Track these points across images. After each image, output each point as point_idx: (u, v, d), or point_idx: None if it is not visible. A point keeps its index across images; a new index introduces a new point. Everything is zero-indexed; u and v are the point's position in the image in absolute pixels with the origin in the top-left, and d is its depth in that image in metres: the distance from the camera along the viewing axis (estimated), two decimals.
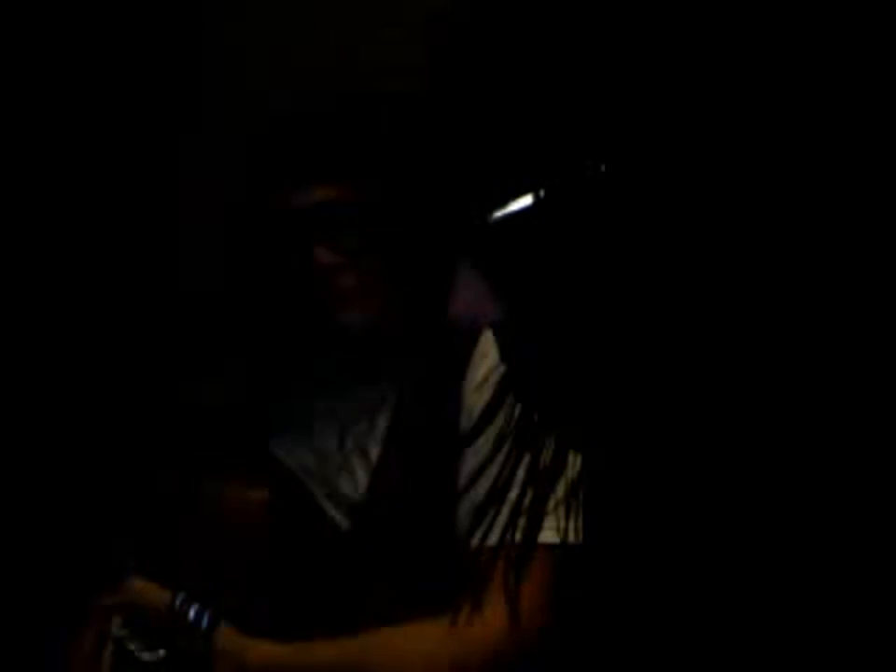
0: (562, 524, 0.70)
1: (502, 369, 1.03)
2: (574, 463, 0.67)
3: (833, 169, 0.40)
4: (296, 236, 1.26)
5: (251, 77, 1.67)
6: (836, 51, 0.39)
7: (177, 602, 1.05)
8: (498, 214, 0.43)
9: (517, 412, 0.57)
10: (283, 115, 1.33)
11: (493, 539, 0.86)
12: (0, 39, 1.60)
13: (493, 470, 0.90)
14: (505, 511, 0.68)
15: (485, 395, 1.17)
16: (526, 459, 0.64)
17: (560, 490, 0.67)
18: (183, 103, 1.69)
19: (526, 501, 0.68)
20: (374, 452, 1.30)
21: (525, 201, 0.42)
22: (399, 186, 1.27)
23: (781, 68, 0.39)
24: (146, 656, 1.03)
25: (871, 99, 0.39)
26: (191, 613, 1.05)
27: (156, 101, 1.66)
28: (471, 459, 1.11)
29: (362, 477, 1.30)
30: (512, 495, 0.68)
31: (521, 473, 0.67)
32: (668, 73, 0.39)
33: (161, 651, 1.03)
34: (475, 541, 1.07)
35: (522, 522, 0.74)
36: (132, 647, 1.03)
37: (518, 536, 0.76)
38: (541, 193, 0.42)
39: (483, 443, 1.05)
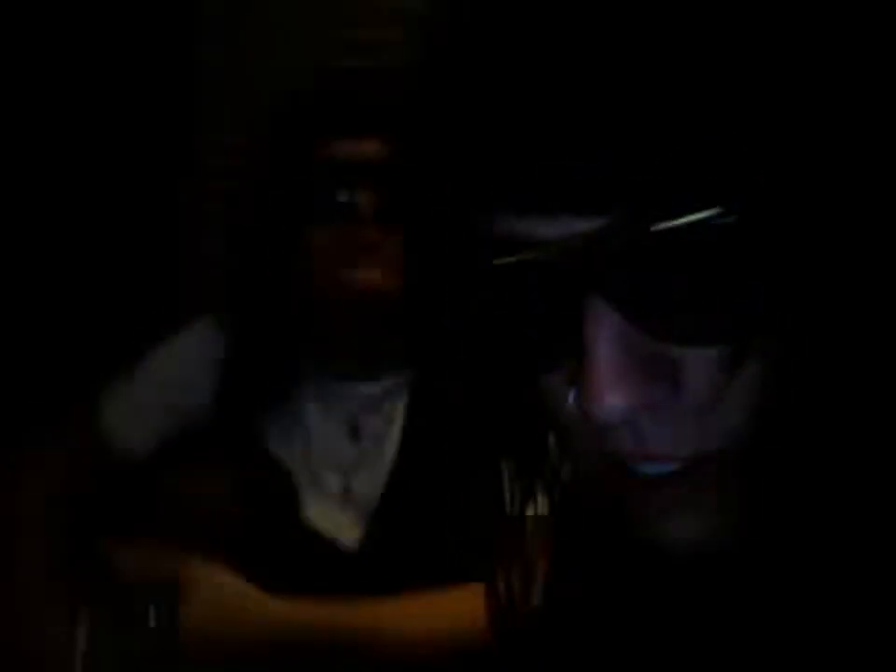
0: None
1: None
2: None
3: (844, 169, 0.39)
4: (330, 188, 1.21)
5: (251, 70, 1.68)
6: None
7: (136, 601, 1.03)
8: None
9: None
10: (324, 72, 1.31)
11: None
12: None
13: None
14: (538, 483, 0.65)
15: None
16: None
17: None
18: (183, 91, 1.70)
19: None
20: (391, 451, 1.27)
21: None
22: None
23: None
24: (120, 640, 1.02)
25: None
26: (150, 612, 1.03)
27: (156, 90, 1.67)
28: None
29: (382, 474, 1.26)
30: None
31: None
32: (670, 74, 0.38)
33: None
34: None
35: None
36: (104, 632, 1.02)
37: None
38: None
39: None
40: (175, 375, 1.30)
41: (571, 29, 0.38)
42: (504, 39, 0.40)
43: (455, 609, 1.10)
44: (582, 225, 0.40)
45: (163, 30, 1.71)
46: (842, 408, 0.41)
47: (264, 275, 1.28)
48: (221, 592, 1.08)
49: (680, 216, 0.38)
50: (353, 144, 1.21)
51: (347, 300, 1.24)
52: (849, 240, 0.39)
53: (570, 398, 0.43)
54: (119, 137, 1.68)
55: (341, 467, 1.28)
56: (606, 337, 0.40)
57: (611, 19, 0.38)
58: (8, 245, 1.62)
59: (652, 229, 0.39)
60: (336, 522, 1.26)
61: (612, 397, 0.40)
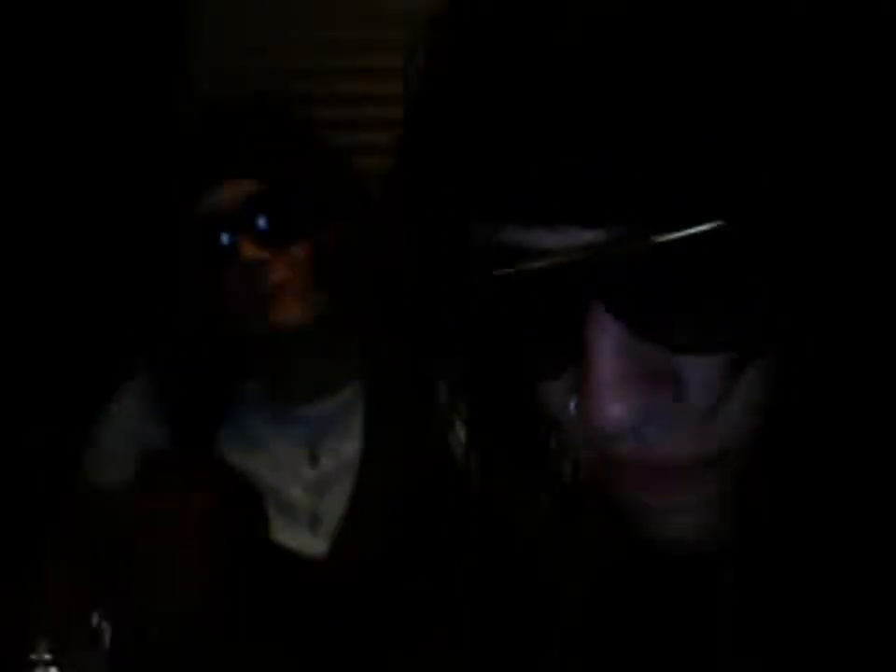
0: None
1: None
2: None
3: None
4: (216, 236, 1.21)
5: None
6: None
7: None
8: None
9: None
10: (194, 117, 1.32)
11: None
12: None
13: None
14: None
15: None
16: None
17: None
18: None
19: None
20: (352, 469, 1.26)
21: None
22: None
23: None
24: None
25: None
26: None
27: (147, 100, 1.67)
28: None
29: (346, 492, 1.26)
30: None
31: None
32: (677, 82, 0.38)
33: None
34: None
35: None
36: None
37: None
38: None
39: None
40: (123, 429, 1.32)
41: (574, 46, 0.39)
42: (508, 53, 0.40)
43: None
44: (585, 235, 0.40)
45: (160, 32, 1.71)
46: (842, 410, 0.41)
47: (182, 319, 1.29)
48: None
49: (682, 227, 0.38)
50: (230, 187, 1.20)
51: (269, 336, 1.24)
52: (849, 245, 0.39)
53: (572, 406, 0.43)
54: (116, 139, 1.68)
55: (305, 488, 1.28)
56: (608, 346, 0.41)
57: (614, 38, 0.38)
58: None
59: (654, 240, 0.39)
60: (305, 541, 1.26)
61: (615, 408, 0.40)
